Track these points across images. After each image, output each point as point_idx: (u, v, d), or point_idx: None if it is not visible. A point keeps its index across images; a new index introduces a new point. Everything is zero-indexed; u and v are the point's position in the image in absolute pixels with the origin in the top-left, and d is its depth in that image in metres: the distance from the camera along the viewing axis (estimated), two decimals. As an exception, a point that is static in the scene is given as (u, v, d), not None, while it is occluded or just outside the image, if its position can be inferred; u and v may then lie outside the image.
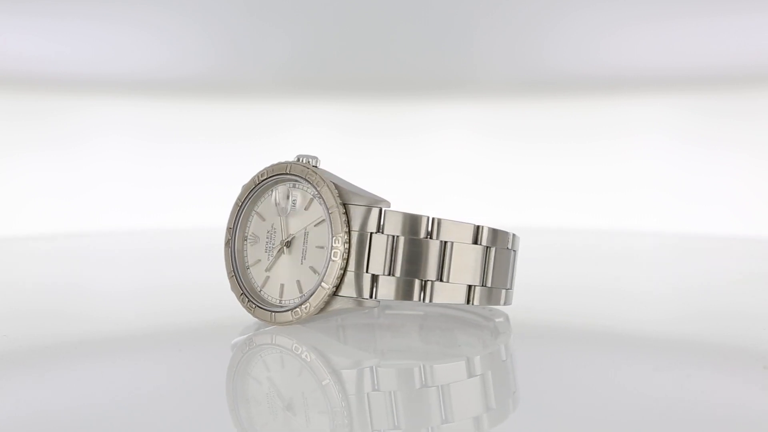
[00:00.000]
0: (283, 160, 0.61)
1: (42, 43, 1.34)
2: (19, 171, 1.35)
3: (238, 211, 0.62)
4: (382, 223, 0.57)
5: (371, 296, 0.57)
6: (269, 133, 1.41)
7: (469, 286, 0.58)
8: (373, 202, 0.58)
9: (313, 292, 0.57)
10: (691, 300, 0.80)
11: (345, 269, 0.57)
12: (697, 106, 1.39)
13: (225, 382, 0.52)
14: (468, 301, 0.58)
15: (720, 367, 0.55)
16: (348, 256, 0.57)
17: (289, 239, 0.60)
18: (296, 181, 0.60)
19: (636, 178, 1.39)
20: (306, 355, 0.56)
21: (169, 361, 0.57)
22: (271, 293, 0.60)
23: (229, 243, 0.62)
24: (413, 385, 0.50)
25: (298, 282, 0.59)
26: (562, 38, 1.37)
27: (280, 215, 0.61)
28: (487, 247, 0.58)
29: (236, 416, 0.46)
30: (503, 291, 0.61)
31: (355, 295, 0.57)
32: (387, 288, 0.57)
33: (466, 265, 0.58)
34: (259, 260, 0.61)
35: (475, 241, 0.58)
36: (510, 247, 0.60)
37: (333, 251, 0.57)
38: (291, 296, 0.59)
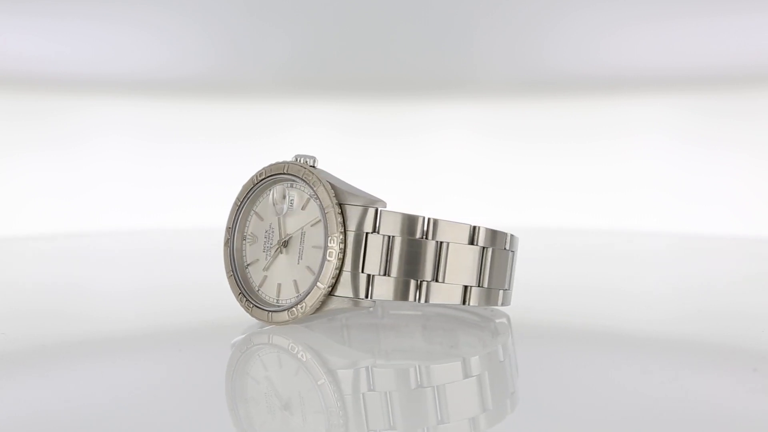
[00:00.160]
0: (281, 160, 0.61)
1: (42, 43, 1.34)
2: (19, 171, 1.35)
3: (237, 210, 0.62)
4: (378, 223, 0.57)
5: (367, 296, 0.57)
6: (269, 133, 1.41)
7: (465, 287, 0.58)
8: (370, 202, 0.58)
9: (309, 292, 0.57)
10: (691, 300, 0.80)
11: (341, 269, 0.57)
12: (697, 106, 1.39)
13: (224, 382, 0.52)
14: (464, 302, 0.58)
15: (720, 367, 0.55)
16: (344, 256, 0.57)
17: (286, 239, 0.60)
18: (293, 181, 0.60)
19: (636, 178, 1.39)
20: (302, 355, 0.56)
21: (169, 361, 0.57)
22: (268, 293, 0.60)
23: (228, 243, 0.62)
24: (410, 385, 0.50)
25: (295, 282, 0.59)
26: (562, 38, 1.37)
27: (277, 215, 0.61)
28: (484, 247, 0.58)
29: (235, 416, 0.46)
30: (501, 292, 0.60)
31: (351, 295, 0.57)
32: (383, 288, 0.57)
33: (462, 265, 0.58)
34: (257, 260, 0.61)
35: (472, 242, 0.58)
36: (508, 247, 0.60)
37: (328, 251, 0.57)
38: (288, 296, 0.59)
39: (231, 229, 0.62)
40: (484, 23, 1.36)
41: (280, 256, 0.60)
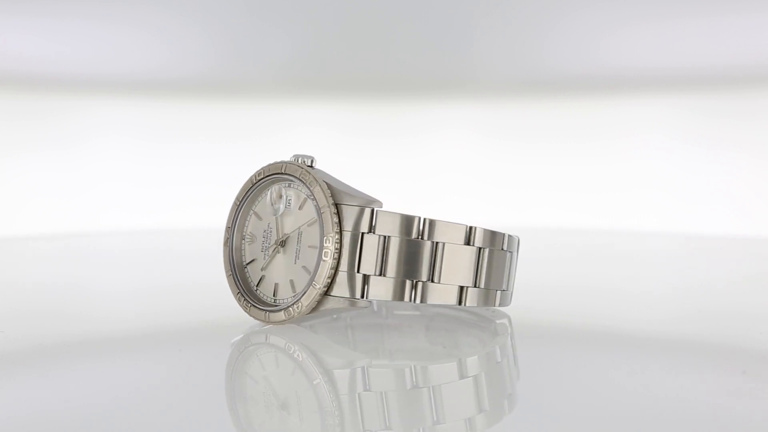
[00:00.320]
0: (279, 160, 0.61)
1: (42, 43, 1.34)
2: (19, 171, 1.35)
3: (236, 210, 0.62)
4: (373, 223, 0.57)
5: (363, 296, 0.57)
6: (269, 133, 1.41)
7: (461, 287, 0.58)
8: (366, 203, 0.58)
9: (305, 292, 0.57)
10: (691, 300, 0.80)
11: (336, 269, 0.57)
12: (697, 106, 1.39)
13: (223, 381, 0.52)
14: (460, 302, 0.58)
15: (720, 367, 0.55)
16: (339, 256, 0.57)
17: (283, 239, 0.60)
18: (291, 180, 0.60)
19: (636, 178, 1.39)
20: (298, 355, 0.56)
21: (169, 361, 0.57)
22: (266, 292, 0.60)
23: (228, 242, 0.62)
24: (406, 386, 0.50)
25: (291, 281, 0.59)
26: (562, 38, 1.37)
27: (274, 215, 0.61)
28: (481, 248, 0.58)
29: (235, 415, 0.46)
30: (498, 292, 0.60)
31: (347, 295, 0.57)
32: (378, 288, 0.57)
33: (458, 265, 0.58)
34: (256, 259, 0.61)
35: (468, 242, 0.58)
36: (505, 248, 0.60)
37: (324, 251, 0.57)
38: (285, 295, 0.59)
39: (230, 229, 0.62)
40: (484, 23, 1.36)
41: (278, 255, 0.60)
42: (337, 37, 1.39)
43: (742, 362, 0.57)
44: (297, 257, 0.59)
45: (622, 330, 0.66)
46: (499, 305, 0.61)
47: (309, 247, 0.59)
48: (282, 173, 0.60)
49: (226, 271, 0.62)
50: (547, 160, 1.42)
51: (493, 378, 0.53)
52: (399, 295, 0.57)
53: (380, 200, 0.59)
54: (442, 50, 1.40)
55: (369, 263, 0.57)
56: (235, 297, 0.61)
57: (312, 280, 0.57)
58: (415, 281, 0.57)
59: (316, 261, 0.57)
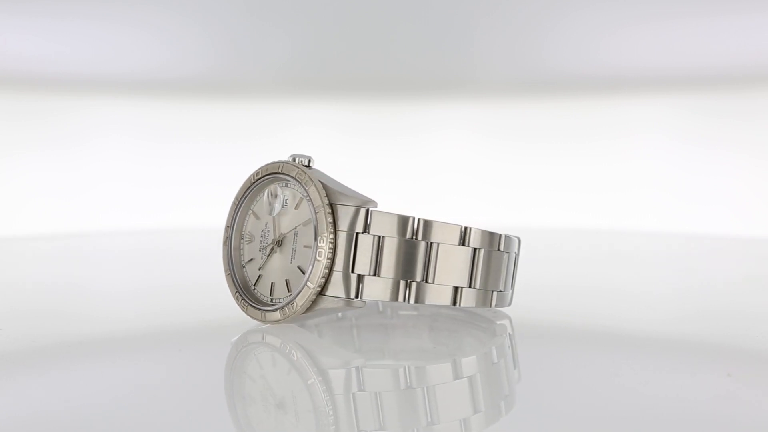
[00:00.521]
0: (277, 160, 0.61)
1: (42, 43, 1.34)
2: (19, 171, 1.35)
3: (236, 210, 0.62)
4: (368, 223, 0.57)
5: (357, 296, 0.57)
6: (269, 133, 1.41)
7: (456, 288, 0.58)
8: (362, 203, 0.58)
9: (300, 292, 0.57)
10: (691, 300, 0.80)
11: (331, 269, 0.57)
12: (697, 106, 1.39)
13: (223, 381, 0.52)
14: (455, 303, 0.58)
15: (719, 367, 0.55)
16: (334, 255, 0.57)
17: (280, 238, 0.60)
18: (288, 180, 0.60)
19: (636, 178, 1.39)
20: (294, 354, 0.56)
21: (169, 361, 0.57)
22: (263, 291, 0.61)
23: (227, 241, 0.62)
24: (400, 386, 0.50)
25: (287, 281, 0.59)
26: (562, 38, 1.37)
27: (270, 214, 0.61)
28: (476, 248, 0.58)
29: (234, 415, 0.46)
30: (495, 293, 0.60)
31: (342, 295, 0.57)
32: (372, 288, 0.57)
33: (452, 266, 0.58)
34: (254, 259, 0.61)
35: (463, 243, 0.58)
36: (502, 249, 0.60)
37: (318, 251, 0.57)
38: (281, 295, 0.60)
39: (229, 228, 0.62)
40: (484, 23, 1.36)
41: (275, 255, 0.60)
42: (337, 37, 1.39)
43: (742, 362, 0.57)
44: (293, 257, 0.59)
45: (622, 330, 0.66)
46: (497, 306, 0.61)
47: (304, 246, 0.59)
48: (279, 173, 0.60)
49: (225, 271, 0.62)
50: (547, 160, 1.42)
51: (490, 379, 0.53)
52: (393, 295, 0.57)
53: (375, 200, 0.59)
54: (442, 50, 1.40)
55: (363, 263, 0.57)
56: (233, 296, 0.61)
57: (306, 280, 0.57)
58: (409, 281, 0.57)
59: (311, 261, 0.57)
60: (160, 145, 1.41)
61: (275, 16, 1.34)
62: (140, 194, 1.37)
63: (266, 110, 1.43)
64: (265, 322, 0.59)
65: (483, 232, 0.59)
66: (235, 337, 0.59)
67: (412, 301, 0.57)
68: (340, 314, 0.65)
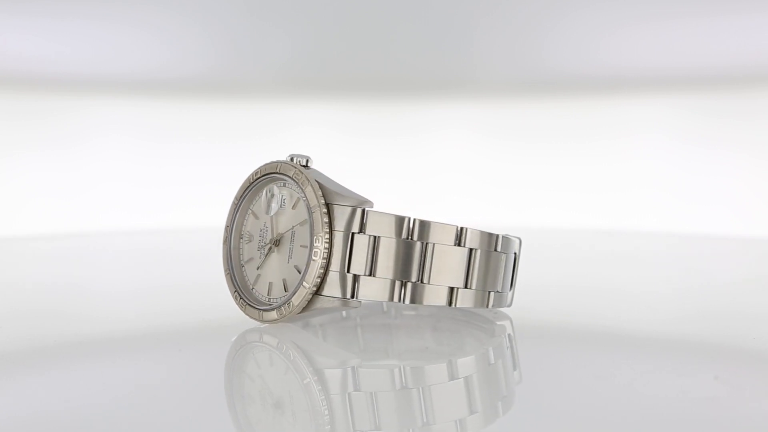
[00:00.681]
0: (275, 159, 0.61)
1: (42, 43, 1.34)
2: (19, 171, 1.35)
3: (235, 209, 0.63)
4: (364, 223, 0.57)
5: (353, 296, 0.57)
6: (269, 133, 1.41)
7: (451, 288, 0.58)
8: (358, 203, 0.58)
9: (296, 291, 0.57)
10: (691, 300, 0.80)
11: (327, 269, 0.57)
12: (697, 106, 1.39)
13: (222, 381, 0.52)
14: (450, 303, 0.58)
15: (719, 367, 0.55)
16: (330, 255, 0.57)
17: (277, 238, 0.60)
18: (285, 180, 0.60)
19: (636, 178, 1.39)
20: (291, 354, 0.56)
21: (169, 361, 0.57)
22: (261, 291, 0.61)
23: (226, 241, 0.62)
24: (395, 386, 0.50)
25: (284, 281, 0.59)
26: (562, 38, 1.37)
27: (267, 214, 0.61)
28: (472, 249, 0.58)
29: (234, 415, 0.46)
30: (492, 294, 0.60)
31: (338, 295, 0.57)
32: (368, 288, 0.57)
33: (447, 266, 0.58)
34: (253, 258, 0.61)
35: (459, 243, 0.58)
36: (499, 249, 0.60)
37: (314, 251, 0.57)
38: (278, 294, 0.60)
39: (229, 228, 0.63)
40: (484, 23, 1.36)
41: (273, 255, 0.60)
42: (337, 37, 1.39)
43: (741, 362, 0.57)
44: (290, 257, 0.59)
45: (622, 330, 0.66)
46: (495, 307, 0.61)
47: (301, 246, 0.59)
48: (277, 173, 0.60)
49: (225, 270, 0.62)
50: (547, 160, 1.42)
51: (486, 380, 0.53)
52: (389, 295, 0.57)
53: (372, 200, 0.59)
54: (442, 50, 1.40)
55: (359, 263, 0.57)
56: (232, 296, 0.61)
57: (302, 279, 0.57)
58: (404, 282, 0.57)
59: (307, 261, 0.57)
60: (160, 145, 1.41)
61: (275, 16, 1.34)
62: (140, 194, 1.37)
63: (266, 110, 1.43)
64: (262, 321, 0.60)
65: (479, 232, 0.59)
66: (235, 337, 0.59)
67: (407, 301, 0.57)
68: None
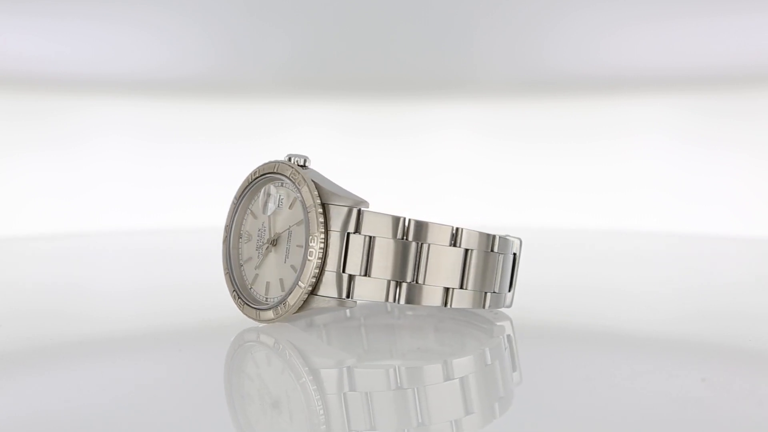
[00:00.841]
0: (273, 159, 0.61)
1: (42, 43, 1.34)
2: (19, 171, 1.35)
3: (234, 209, 0.63)
4: (359, 223, 0.57)
5: (348, 296, 0.57)
6: (269, 133, 1.41)
7: (446, 289, 0.58)
8: (354, 203, 0.58)
9: (291, 291, 0.58)
10: (691, 300, 0.80)
11: (323, 269, 0.57)
12: (697, 106, 1.39)
13: (222, 381, 0.52)
14: (445, 304, 0.58)
15: (719, 367, 0.55)
16: (325, 255, 0.57)
17: (275, 238, 0.60)
18: (282, 180, 0.60)
19: (636, 178, 1.39)
20: (287, 354, 0.56)
21: (169, 361, 0.57)
22: (259, 291, 0.61)
23: (226, 240, 0.63)
24: (390, 386, 0.50)
25: (281, 280, 0.59)
26: (562, 38, 1.37)
27: (265, 214, 0.61)
28: (468, 249, 0.58)
29: (234, 415, 0.46)
30: (489, 294, 0.60)
31: (335, 295, 0.57)
32: (363, 288, 0.57)
33: (442, 267, 0.58)
34: (251, 258, 0.62)
35: (454, 244, 0.58)
36: (496, 250, 0.60)
37: (309, 251, 0.57)
38: (275, 294, 0.60)
39: (228, 227, 0.63)
40: (484, 23, 1.36)
41: (271, 254, 0.61)
42: (337, 37, 1.39)
43: (741, 362, 0.57)
44: (287, 256, 0.60)
45: (622, 330, 0.66)
46: (491, 307, 0.61)
47: (297, 246, 0.59)
48: (274, 173, 0.60)
49: (224, 269, 0.62)
50: (547, 160, 1.42)
51: (483, 380, 0.53)
52: (384, 295, 0.57)
53: (368, 201, 0.59)
54: (442, 50, 1.40)
55: (354, 263, 0.57)
56: (231, 295, 0.61)
57: (298, 279, 0.57)
58: (399, 282, 0.57)
59: (302, 260, 0.57)
60: (160, 145, 1.41)
61: (275, 16, 1.34)
62: (140, 194, 1.37)
63: (266, 110, 1.43)
64: (260, 321, 0.60)
65: (475, 233, 0.59)
66: (233, 337, 0.59)
67: (402, 301, 0.57)
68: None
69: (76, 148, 1.38)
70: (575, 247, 1.17)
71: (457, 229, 0.58)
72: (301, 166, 0.60)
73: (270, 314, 0.59)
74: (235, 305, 0.61)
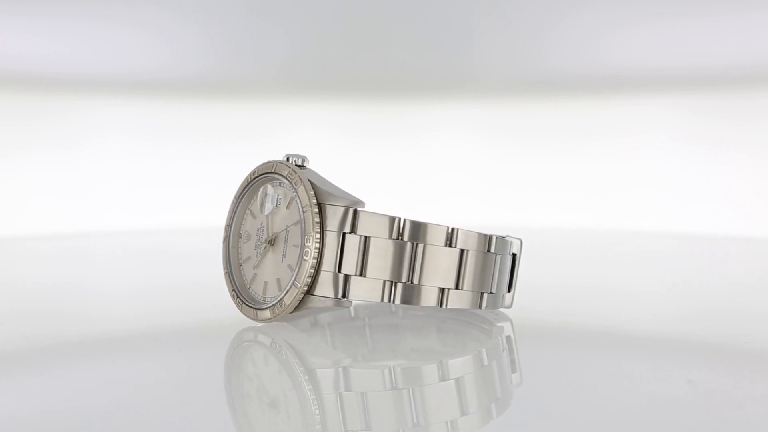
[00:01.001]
0: (272, 159, 0.61)
1: (42, 43, 1.34)
2: (19, 171, 1.35)
3: (234, 208, 0.63)
4: (355, 223, 0.57)
5: (344, 296, 0.57)
6: (269, 133, 1.41)
7: (441, 289, 0.58)
8: (350, 203, 0.58)
9: (287, 291, 0.58)
10: (691, 300, 0.80)
11: (319, 269, 0.57)
12: (697, 106, 1.39)
13: (222, 381, 0.52)
14: (440, 304, 0.58)
15: (719, 367, 0.55)
16: (321, 255, 0.57)
17: (272, 238, 0.60)
18: (280, 180, 0.60)
19: (636, 178, 1.39)
20: (283, 354, 0.56)
21: (169, 361, 0.57)
22: (257, 290, 0.61)
23: (225, 240, 0.63)
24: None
25: (278, 280, 0.60)
26: (562, 38, 1.37)
27: (262, 213, 0.61)
28: (464, 250, 0.58)
29: (234, 415, 0.46)
30: (485, 295, 0.60)
31: (331, 295, 0.57)
32: (359, 288, 0.57)
33: (437, 267, 0.58)
34: (250, 257, 0.62)
35: (450, 244, 0.58)
36: (492, 250, 0.60)
37: (304, 251, 0.57)
38: (272, 294, 0.60)
39: (228, 227, 0.63)
40: (484, 23, 1.36)
41: (269, 254, 0.61)
42: (337, 37, 1.39)
43: (741, 362, 0.57)
44: (284, 256, 0.60)
45: (622, 330, 0.66)
46: (488, 308, 0.61)
47: (294, 246, 0.59)
48: (272, 172, 0.60)
49: (224, 269, 0.62)
50: (547, 160, 1.42)
51: (480, 381, 0.53)
52: (379, 295, 0.57)
53: (364, 201, 0.59)
54: (442, 50, 1.40)
55: (350, 263, 0.57)
56: (230, 295, 0.62)
57: (294, 279, 0.57)
58: (395, 282, 0.57)
59: (298, 260, 0.57)
60: (160, 145, 1.41)
61: (275, 16, 1.34)
62: (140, 194, 1.37)
63: (266, 110, 1.43)
64: (257, 320, 0.60)
65: (471, 233, 0.59)
66: (233, 336, 0.59)
67: (398, 301, 0.57)
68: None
69: (76, 148, 1.38)
70: (575, 247, 1.17)
71: (452, 229, 0.58)
72: (299, 166, 0.60)
73: (267, 314, 0.59)
74: (234, 305, 0.61)
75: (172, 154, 1.40)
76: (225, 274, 0.62)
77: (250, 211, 0.63)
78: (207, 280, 0.73)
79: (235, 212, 0.63)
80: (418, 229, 0.57)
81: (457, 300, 0.59)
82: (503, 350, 0.59)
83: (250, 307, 0.60)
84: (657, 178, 1.39)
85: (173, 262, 1.03)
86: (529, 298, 0.67)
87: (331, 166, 0.65)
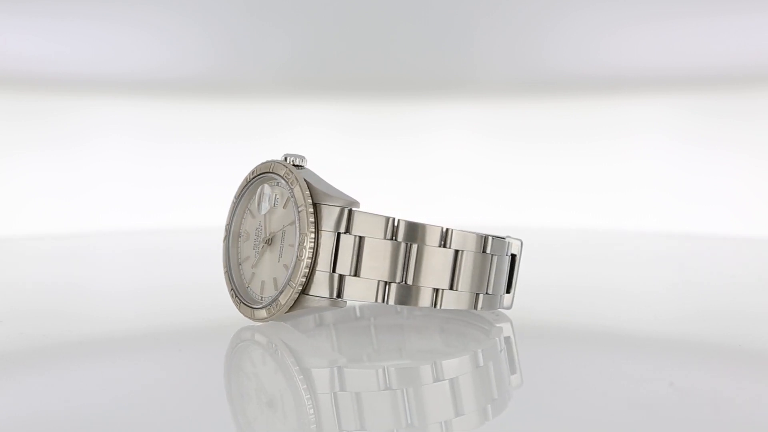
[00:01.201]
0: (270, 159, 0.61)
1: (42, 43, 1.34)
2: (19, 171, 1.35)
3: (234, 208, 0.63)
4: (349, 223, 0.57)
5: (339, 296, 0.57)
6: (269, 133, 1.41)
7: (435, 290, 0.58)
8: (346, 203, 0.58)
9: (282, 290, 0.58)
10: (691, 300, 0.80)
11: (314, 269, 0.57)
12: (697, 106, 1.39)
13: (222, 381, 0.52)
14: (434, 305, 0.58)
15: (719, 367, 0.56)
16: (316, 255, 0.57)
17: (270, 237, 0.60)
18: (278, 180, 0.60)
19: (636, 178, 1.39)
20: (280, 353, 0.56)
21: (169, 361, 0.57)
22: (255, 290, 0.61)
23: (225, 239, 0.63)
24: (380, 386, 0.50)
25: (275, 279, 0.60)
26: (562, 38, 1.37)
27: (260, 213, 0.61)
28: (458, 250, 0.58)
29: (234, 415, 0.46)
30: (481, 296, 0.60)
31: (326, 295, 0.57)
32: (353, 289, 0.57)
33: (431, 268, 0.57)
34: (249, 257, 0.62)
35: (444, 245, 0.58)
36: (488, 251, 0.60)
37: (299, 250, 0.57)
38: (269, 293, 0.60)
39: (228, 227, 0.63)
40: (484, 23, 1.36)
41: (266, 253, 0.61)
42: (337, 37, 1.39)
43: (741, 362, 0.57)
44: (280, 256, 0.60)
45: (622, 330, 0.66)
46: (484, 309, 0.61)
47: (289, 246, 0.59)
48: (270, 172, 0.61)
49: (224, 268, 0.63)
50: (547, 160, 1.42)
51: (479, 382, 0.53)
52: (374, 295, 0.57)
53: (358, 201, 0.59)
54: (442, 50, 1.40)
55: (344, 264, 0.57)
56: (229, 294, 0.62)
57: (288, 279, 0.57)
58: (389, 282, 0.57)
59: (293, 260, 0.57)
60: (160, 145, 1.41)
61: (275, 16, 1.34)
62: (140, 194, 1.37)
63: (266, 110, 1.43)
64: (255, 319, 0.60)
65: (467, 234, 0.58)
66: (231, 336, 0.60)
67: (392, 302, 0.57)
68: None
69: (76, 148, 1.38)
70: (575, 247, 1.17)
71: (447, 229, 0.58)
72: (297, 166, 0.60)
73: (263, 313, 0.59)
74: (232, 304, 0.61)
75: (172, 154, 1.40)
76: (225, 273, 0.63)
77: (250, 210, 0.63)
78: (207, 280, 0.73)
79: (235, 212, 0.63)
80: (413, 230, 0.57)
81: (452, 301, 0.58)
82: (500, 351, 0.59)
83: (248, 306, 0.60)
84: (657, 178, 1.39)
85: (173, 262, 1.03)
86: (529, 298, 0.67)
87: (330, 166, 0.65)
